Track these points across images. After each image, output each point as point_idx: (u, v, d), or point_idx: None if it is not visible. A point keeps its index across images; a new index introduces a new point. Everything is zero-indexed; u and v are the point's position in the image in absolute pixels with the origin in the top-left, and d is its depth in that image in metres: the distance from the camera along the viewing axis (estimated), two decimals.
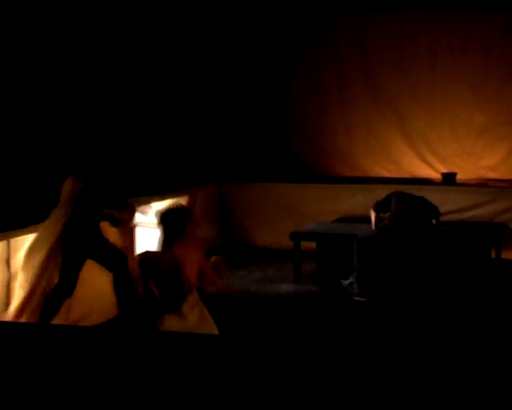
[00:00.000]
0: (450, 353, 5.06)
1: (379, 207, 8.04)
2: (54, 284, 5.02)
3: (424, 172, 10.49)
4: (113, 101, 8.43)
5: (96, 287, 5.15)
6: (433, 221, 7.98)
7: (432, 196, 9.67)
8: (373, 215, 8.06)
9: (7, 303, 6.38)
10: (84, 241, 5.07)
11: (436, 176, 10.31)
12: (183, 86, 9.99)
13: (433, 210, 8.03)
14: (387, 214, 8.04)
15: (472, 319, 6.75)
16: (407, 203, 7.96)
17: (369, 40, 10.72)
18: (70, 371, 3.08)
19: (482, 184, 9.94)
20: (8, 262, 6.40)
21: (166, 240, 5.07)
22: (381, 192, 8.34)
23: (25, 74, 7.21)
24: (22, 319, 5.04)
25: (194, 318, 5.06)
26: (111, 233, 5.14)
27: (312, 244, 8.54)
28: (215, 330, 5.13)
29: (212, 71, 10.62)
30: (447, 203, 9.36)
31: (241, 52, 10.89)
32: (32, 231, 6.53)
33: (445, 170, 10.38)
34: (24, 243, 6.42)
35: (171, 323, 4.98)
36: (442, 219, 9.02)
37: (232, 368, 3.16)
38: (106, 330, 4.80)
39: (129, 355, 3.27)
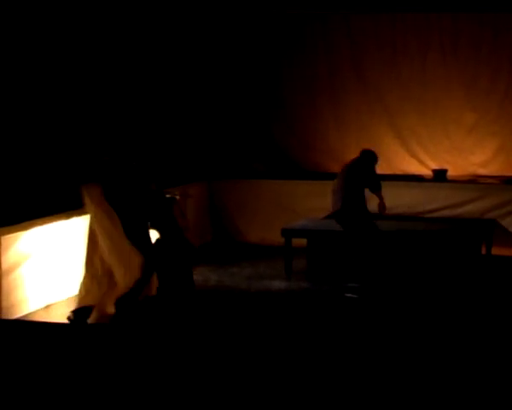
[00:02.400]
0: (443, 348, 5.09)
1: None
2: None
3: (415, 168, 10.52)
4: (104, 99, 8.45)
5: None
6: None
7: (422, 192, 9.73)
8: None
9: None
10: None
11: (427, 172, 10.34)
12: (175, 85, 10.00)
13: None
14: None
15: (463, 315, 6.78)
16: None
17: (360, 38, 10.72)
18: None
19: (472, 181, 9.98)
20: None
21: None
22: None
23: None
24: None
25: None
26: None
27: (303, 241, 8.56)
28: None
29: (204, 70, 10.62)
30: (438, 200, 9.40)
31: (233, 51, 10.88)
32: (22, 229, 6.54)
33: (435, 167, 10.41)
34: (15, 240, 6.42)
35: None
36: (433, 215, 9.08)
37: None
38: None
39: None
